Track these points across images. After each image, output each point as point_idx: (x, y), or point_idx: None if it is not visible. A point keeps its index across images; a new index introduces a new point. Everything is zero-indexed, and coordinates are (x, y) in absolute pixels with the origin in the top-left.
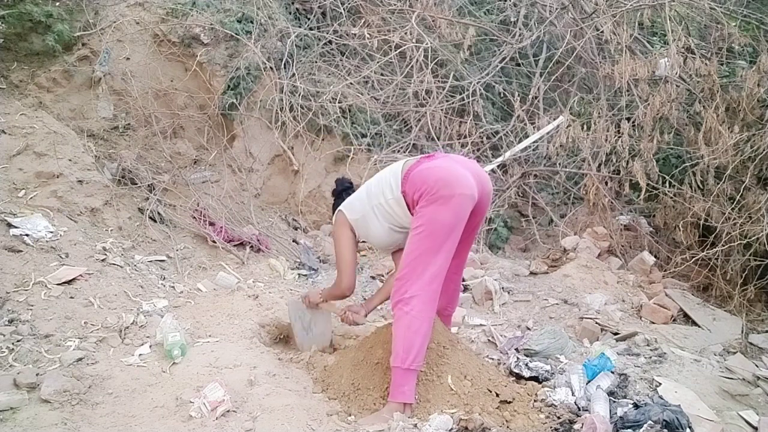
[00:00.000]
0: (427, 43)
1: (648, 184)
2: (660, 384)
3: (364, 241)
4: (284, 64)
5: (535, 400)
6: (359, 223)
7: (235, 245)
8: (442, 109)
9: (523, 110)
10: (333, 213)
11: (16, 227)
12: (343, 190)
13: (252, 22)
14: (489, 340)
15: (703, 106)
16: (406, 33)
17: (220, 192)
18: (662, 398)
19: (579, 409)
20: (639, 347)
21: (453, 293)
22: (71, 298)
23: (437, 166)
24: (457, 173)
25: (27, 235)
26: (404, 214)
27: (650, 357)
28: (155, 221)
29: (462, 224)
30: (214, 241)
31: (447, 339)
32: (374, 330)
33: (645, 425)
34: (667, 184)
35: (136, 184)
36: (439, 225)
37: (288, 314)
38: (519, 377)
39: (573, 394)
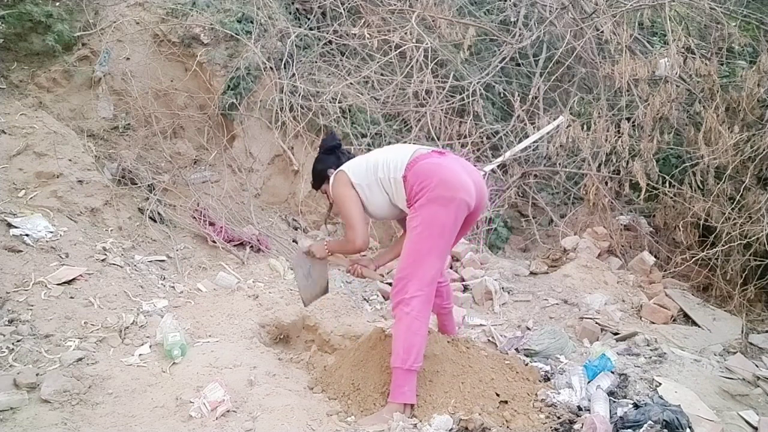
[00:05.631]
0: (427, 43)
1: (648, 184)
2: (660, 384)
3: None
4: (284, 64)
5: (535, 400)
6: (362, 189)
7: (235, 245)
8: (442, 109)
9: (523, 110)
10: (319, 167)
11: (16, 227)
12: (335, 146)
13: (252, 22)
14: (489, 340)
15: (703, 106)
16: (406, 33)
17: (220, 192)
18: (662, 398)
19: (579, 409)
20: (639, 347)
21: (443, 289)
22: (71, 298)
23: (444, 165)
24: (461, 178)
25: (27, 235)
26: (399, 196)
27: (650, 357)
28: (155, 221)
29: (457, 228)
30: (214, 241)
31: (447, 340)
32: (374, 330)
33: (645, 425)
34: (667, 184)
35: (136, 184)
36: (438, 226)
37: (292, 266)
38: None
39: (573, 394)
